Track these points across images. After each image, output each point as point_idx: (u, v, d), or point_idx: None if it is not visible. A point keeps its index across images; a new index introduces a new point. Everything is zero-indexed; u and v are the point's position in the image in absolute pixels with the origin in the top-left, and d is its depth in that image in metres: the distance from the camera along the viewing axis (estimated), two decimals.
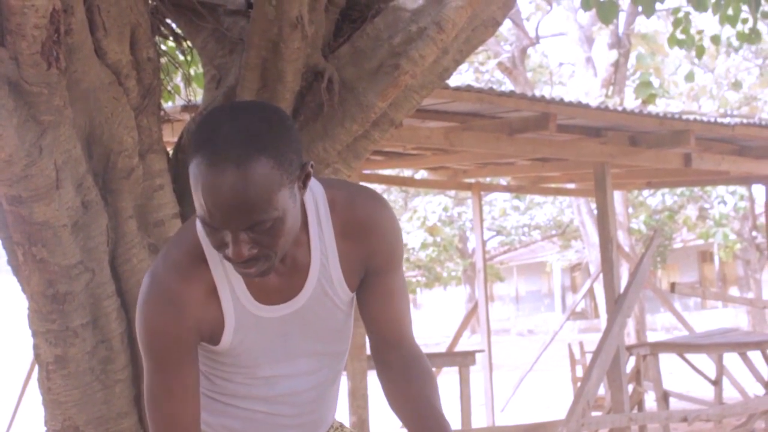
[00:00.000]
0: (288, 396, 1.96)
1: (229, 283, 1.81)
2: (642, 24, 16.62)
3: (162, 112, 3.45)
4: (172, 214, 3.34)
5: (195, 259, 1.79)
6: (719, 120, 9.25)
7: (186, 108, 5.46)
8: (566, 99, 7.62)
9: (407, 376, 1.93)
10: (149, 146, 3.31)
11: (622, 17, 14.51)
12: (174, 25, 4.01)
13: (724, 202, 20.94)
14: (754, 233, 22.06)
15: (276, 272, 1.83)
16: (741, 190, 20.26)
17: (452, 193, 19.98)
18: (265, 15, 3.22)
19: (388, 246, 1.92)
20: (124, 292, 3.26)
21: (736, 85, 15.78)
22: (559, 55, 33.44)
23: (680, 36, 7.42)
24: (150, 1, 3.46)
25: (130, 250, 3.25)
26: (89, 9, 3.02)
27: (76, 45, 2.99)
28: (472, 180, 10.66)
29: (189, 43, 4.03)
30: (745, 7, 7.13)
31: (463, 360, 8.27)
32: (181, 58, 4.29)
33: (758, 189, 21.61)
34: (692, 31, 7.53)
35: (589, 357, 11.19)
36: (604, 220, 7.99)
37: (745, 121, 9.11)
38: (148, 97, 3.29)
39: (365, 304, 1.96)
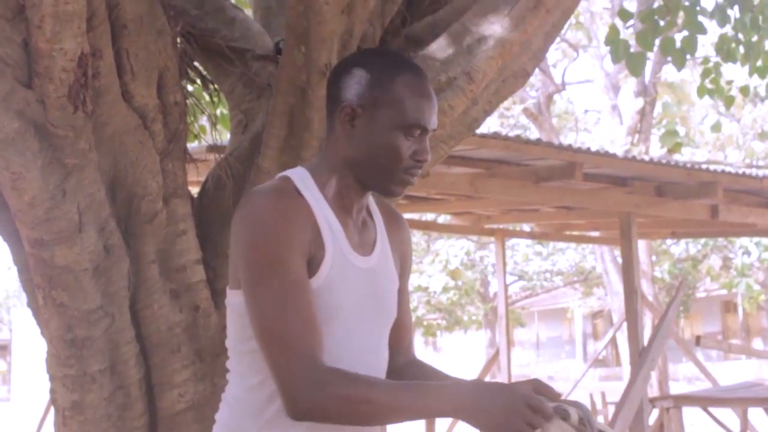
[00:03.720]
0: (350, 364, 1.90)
1: (326, 218, 1.90)
2: (668, 73, 16.60)
3: (187, 155, 3.42)
4: (194, 259, 3.30)
5: (293, 193, 1.90)
6: (747, 171, 9.15)
7: (211, 149, 5.44)
8: (592, 147, 7.59)
9: (417, 372, 2.07)
10: (173, 191, 3.27)
11: (649, 66, 14.48)
12: (201, 69, 3.99)
13: (749, 253, 20.74)
14: None
15: (353, 221, 1.97)
16: (765, 241, 20.07)
17: (475, 237, 19.90)
18: (294, 61, 3.18)
19: (411, 249, 2.15)
20: (143, 338, 3.22)
21: (763, 135, 15.69)
22: (584, 101, 33.50)
23: (709, 86, 7.38)
24: (179, 45, 3.45)
25: (151, 295, 3.21)
26: (117, 53, 3.01)
27: (104, 88, 2.97)
28: (495, 226, 10.60)
29: (216, 85, 4.01)
30: None
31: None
32: (207, 99, 4.28)
33: None
34: (721, 81, 7.48)
35: (611, 407, 11.05)
36: (629, 271, 7.91)
37: None
38: (174, 142, 3.27)
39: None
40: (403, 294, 2.10)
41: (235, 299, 1.94)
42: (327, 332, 1.87)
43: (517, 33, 3.25)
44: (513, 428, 1.71)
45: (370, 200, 2.06)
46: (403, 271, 2.10)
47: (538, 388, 1.79)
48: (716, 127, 13.35)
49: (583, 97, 41.97)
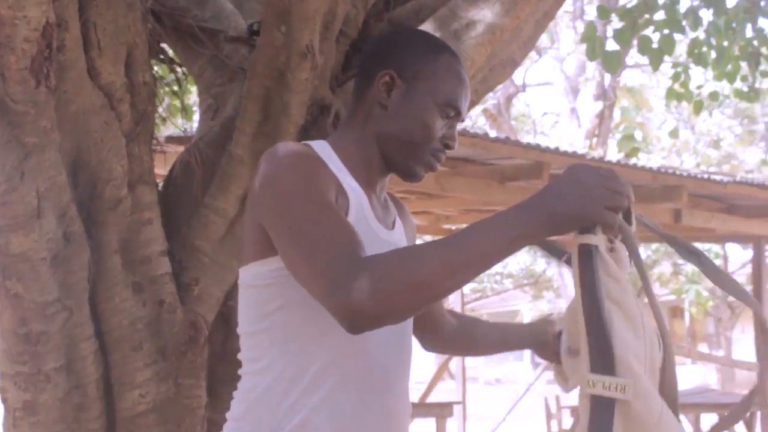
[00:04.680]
0: (375, 346, 1.78)
1: (350, 186, 1.81)
2: (628, 77, 16.62)
3: (155, 141, 3.20)
4: (159, 251, 3.08)
5: (315, 154, 1.80)
6: (710, 176, 9.14)
7: (170, 139, 5.20)
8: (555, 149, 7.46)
9: (466, 328, 2.20)
10: (139, 176, 3.05)
11: None
12: (170, 50, 3.78)
13: None
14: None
15: (378, 201, 1.91)
16: (716, 248, 20.24)
17: (428, 237, 19.78)
18: (273, 42, 2.98)
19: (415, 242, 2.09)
20: (103, 334, 2.99)
21: (716, 144, 15.79)
22: (542, 104, 33.68)
23: (678, 90, 7.30)
24: (148, 24, 3.23)
25: (113, 288, 2.98)
26: (84, 25, 2.78)
27: (68, 63, 2.75)
28: (454, 226, 10.48)
29: (184, 69, 3.80)
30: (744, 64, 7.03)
31: (440, 411, 8.11)
32: (172, 85, 4.06)
33: (732, 247, 21.64)
34: (690, 86, 7.41)
35: (564, 411, 10.96)
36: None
37: (737, 179, 9.00)
38: (142, 124, 3.05)
39: None
40: None
41: (248, 274, 1.77)
42: None
43: (508, 18, 3.09)
44: (598, 206, 1.55)
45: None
46: None
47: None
48: (674, 133, 13.38)
49: (540, 100, 42.19)
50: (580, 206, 1.54)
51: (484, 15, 3.13)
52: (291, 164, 1.70)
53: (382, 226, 1.86)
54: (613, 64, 5.88)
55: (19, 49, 2.50)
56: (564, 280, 14.72)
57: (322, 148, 1.84)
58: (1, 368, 2.91)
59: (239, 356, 1.84)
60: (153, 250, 3.08)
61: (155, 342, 3.04)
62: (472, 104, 3.35)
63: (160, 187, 3.27)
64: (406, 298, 1.52)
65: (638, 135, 14.59)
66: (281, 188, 1.68)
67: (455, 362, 10.81)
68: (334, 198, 1.72)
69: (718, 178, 8.89)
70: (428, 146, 1.86)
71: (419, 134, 1.85)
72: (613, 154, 14.93)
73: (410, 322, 1.92)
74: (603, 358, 1.52)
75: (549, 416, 10.95)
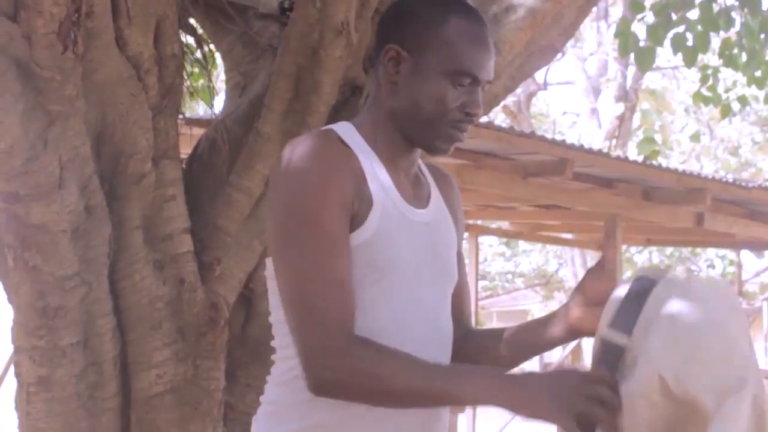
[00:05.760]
0: (409, 327, 1.72)
1: (375, 171, 1.73)
2: (650, 80, 16.48)
3: (181, 117, 3.12)
4: (182, 228, 3.00)
5: (338, 143, 1.73)
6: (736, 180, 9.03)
7: (191, 121, 5.10)
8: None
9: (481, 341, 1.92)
10: (164, 151, 2.97)
11: (631, 71, 14.36)
12: (198, 26, 3.70)
13: (713, 266, 20.74)
14: (740, 299, 21.90)
15: (407, 176, 1.81)
16: (730, 254, 20.09)
17: None
18: (307, 18, 2.90)
19: (462, 212, 1.96)
20: (121, 311, 2.91)
21: (735, 150, 15.67)
22: (561, 104, 33.55)
23: (706, 93, 7.18)
24: None
25: (133, 265, 2.90)
26: None
27: (96, 31, 2.67)
28: (471, 222, 10.39)
29: (212, 46, 3.72)
30: None
31: (452, 407, 8.01)
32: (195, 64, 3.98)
33: (746, 255, 21.47)
34: (718, 89, 7.30)
35: None
36: (611, 275, 7.71)
37: (763, 184, 8.89)
38: (169, 97, 2.96)
39: None
40: (460, 259, 1.92)
41: (270, 264, 1.75)
42: (380, 293, 1.69)
43: (550, 3, 3.01)
44: (571, 409, 1.54)
45: (419, 159, 1.87)
46: (459, 235, 1.92)
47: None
48: (695, 137, 13.26)
49: (559, 100, 41.97)
50: (548, 409, 1.58)
51: None
52: (303, 182, 1.66)
53: (413, 206, 1.78)
54: (646, 61, 5.78)
55: (47, 12, 2.42)
56: (578, 281, 14.62)
57: (346, 131, 1.77)
58: (17, 342, 2.84)
59: (272, 343, 1.81)
60: (175, 227, 3.00)
61: (174, 322, 2.96)
62: (508, 90, 3.27)
63: (184, 164, 3.19)
64: (360, 395, 1.63)
65: (658, 138, 14.46)
66: (286, 217, 1.66)
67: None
68: (351, 203, 1.67)
69: (742, 183, 8.78)
70: (444, 119, 1.74)
71: (431, 109, 1.74)
72: (632, 156, 14.81)
73: (448, 301, 1.83)
74: None
75: None
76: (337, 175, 1.67)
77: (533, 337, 1.87)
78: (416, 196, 1.81)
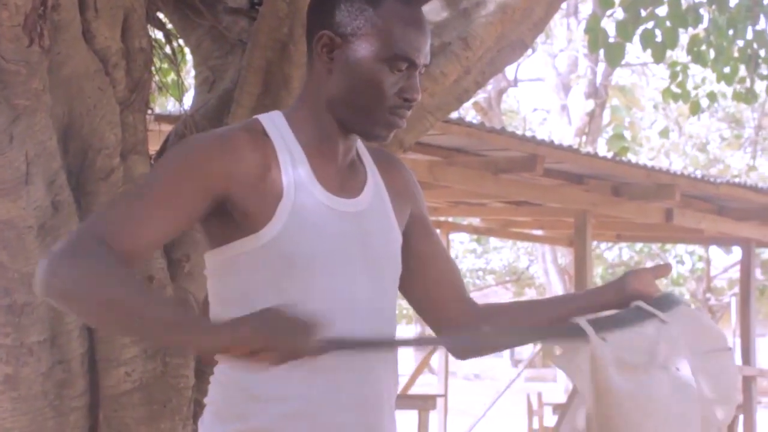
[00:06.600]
0: (345, 316, 1.65)
1: (293, 161, 1.70)
2: (620, 76, 16.57)
3: (150, 111, 3.09)
4: None
5: (254, 130, 1.72)
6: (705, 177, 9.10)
7: (160, 117, 5.07)
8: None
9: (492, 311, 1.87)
10: (133, 146, 2.94)
11: (601, 68, 14.43)
12: (165, 20, 3.66)
13: (682, 262, 20.88)
14: (707, 295, 22.05)
15: (338, 165, 1.75)
16: (699, 250, 20.24)
17: None
18: (276, 12, 2.88)
19: (419, 190, 1.90)
20: None
21: (703, 147, 15.78)
22: (531, 100, 33.60)
23: (675, 90, 7.23)
24: None
25: None
26: None
27: (63, 24, 2.64)
28: (442, 218, 10.40)
29: (180, 40, 3.69)
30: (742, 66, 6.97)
31: (423, 404, 8.05)
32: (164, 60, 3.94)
33: (714, 251, 21.64)
34: (687, 85, 7.35)
35: (546, 408, 10.91)
36: (581, 271, 7.75)
37: (731, 180, 8.96)
38: (137, 92, 2.94)
39: (425, 265, 1.84)
40: (432, 237, 1.88)
41: (209, 261, 1.75)
42: (299, 290, 1.63)
43: None
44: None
45: (360, 144, 1.82)
46: (419, 214, 1.87)
47: None
48: (664, 133, 13.34)
49: (529, 96, 42.14)
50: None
51: None
52: (185, 151, 1.69)
53: (340, 196, 1.71)
54: (615, 56, 5.80)
55: (12, 4, 2.38)
56: (549, 278, 14.66)
57: (272, 119, 1.73)
58: None
59: None
60: None
61: None
62: (478, 85, 3.26)
63: (152, 160, 3.16)
64: (76, 304, 1.57)
65: (627, 134, 14.54)
66: (155, 167, 1.74)
67: (437, 356, 10.74)
68: (216, 194, 1.64)
69: (711, 179, 8.84)
70: (382, 106, 1.69)
71: (368, 96, 1.69)
72: (601, 152, 14.89)
73: (388, 290, 1.75)
74: None
75: (531, 413, 10.90)
76: (223, 156, 1.65)
77: (585, 303, 1.81)
78: (347, 185, 1.75)
